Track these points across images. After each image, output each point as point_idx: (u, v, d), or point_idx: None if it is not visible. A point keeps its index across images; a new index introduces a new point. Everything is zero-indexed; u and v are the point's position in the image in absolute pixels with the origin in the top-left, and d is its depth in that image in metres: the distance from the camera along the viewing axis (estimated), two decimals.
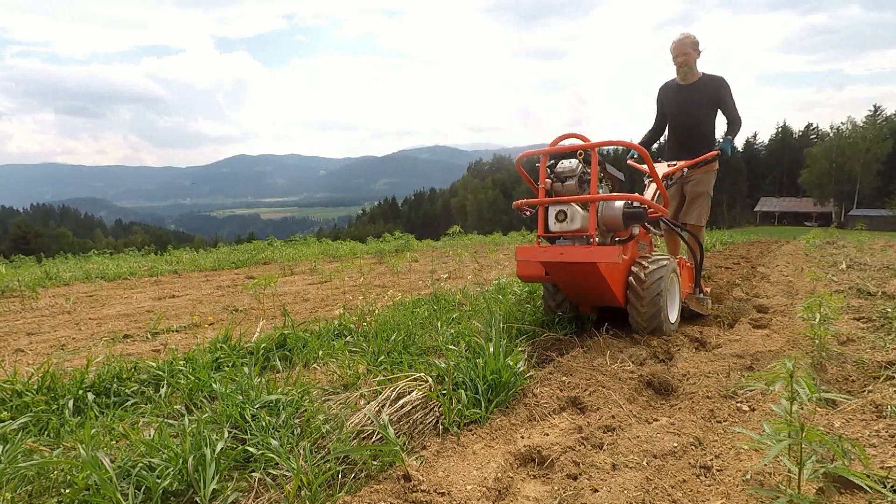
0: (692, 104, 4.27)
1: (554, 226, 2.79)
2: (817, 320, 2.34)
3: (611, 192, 3.09)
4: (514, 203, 2.95)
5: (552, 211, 2.81)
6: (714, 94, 4.18)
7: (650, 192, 3.72)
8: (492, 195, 76.67)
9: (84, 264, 9.00)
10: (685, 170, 4.06)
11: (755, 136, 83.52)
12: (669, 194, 4.26)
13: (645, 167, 3.92)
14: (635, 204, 2.86)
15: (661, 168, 4.03)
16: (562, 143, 3.03)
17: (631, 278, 2.90)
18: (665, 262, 2.95)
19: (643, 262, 2.94)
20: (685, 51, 4.21)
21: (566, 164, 2.86)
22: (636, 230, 3.01)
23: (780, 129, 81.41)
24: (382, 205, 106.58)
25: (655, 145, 4.86)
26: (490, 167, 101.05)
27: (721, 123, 4.32)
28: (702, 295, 3.72)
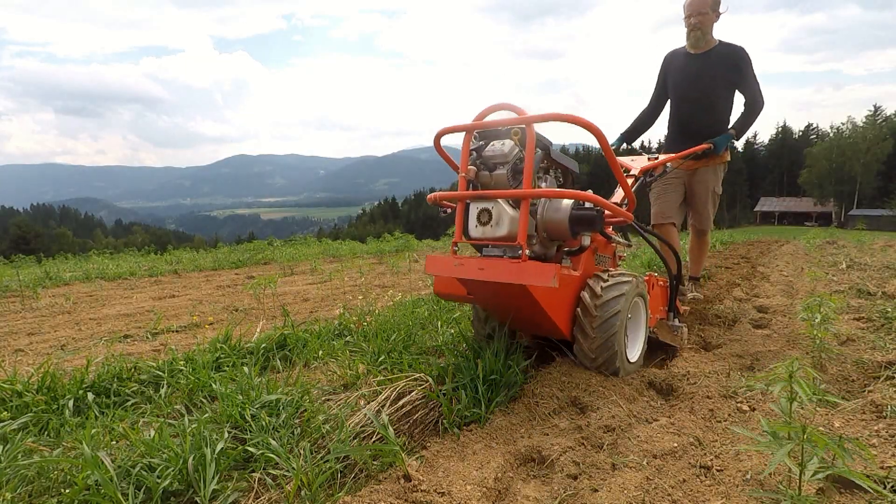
0: (703, 78, 3.44)
1: (475, 229, 2.04)
2: (817, 320, 2.34)
3: (560, 187, 2.37)
4: (428, 196, 2.19)
5: (473, 209, 2.06)
6: (732, 66, 3.36)
7: (620, 192, 3.02)
8: None
9: (84, 264, 9.00)
10: (668, 165, 3.34)
11: (755, 136, 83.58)
12: (664, 186, 3.69)
13: (623, 160, 3.31)
14: (587, 205, 2.09)
15: (640, 162, 3.31)
16: (491, 116, 2.14)
17: (579, 307, 2.21)
18: (626, 284, 2.22)
19: (596, 285, 2.20)
20: (702, 9, 3.37)
21: (497, 146, 2.08)
22: (587, 240, 2.21)
23: (780, 129, 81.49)
24: (382, 205, 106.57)
25: (646, 138, 4.25)
26: None
27: (737, 106, 3.52)
28: (677, 321, 2.93)
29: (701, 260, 4.07)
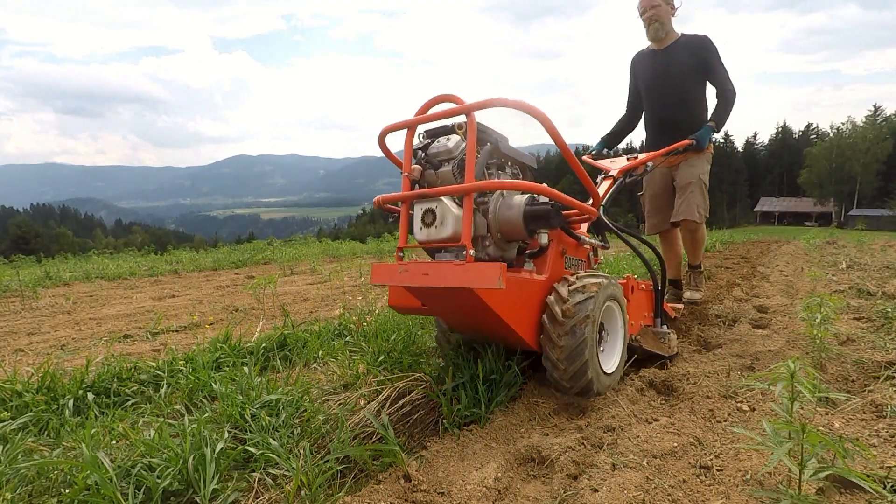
0: (672, 72, 3.38)
1: (420, 232, 1.87)
2: (817, 320, 2.34)
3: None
4: (374, 199, 2.03)
5: (418, 211, 1.89)
6: (698, 56, 3.31)
7: (601, 190, 2.89)
8: None
9: (84, 264, 9.01)
10: (649, 164, 3.18)
11: (755, 136, 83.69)
12: (655, 191, 3.64)
13: (602, 163, 3.21)
14: (543, 199, 1.91)
15: (619, 163, 3.19)
16: (435, 109, 1.97)
17: (545, 314, 2.01)
18: (596, 287, 2.03)
19: (562, 288, 2.02)
20: (654, 2, 3.33)
21: (442, 142, 1.95)
22: (545, 238, 2.02)
23: (780, 129, 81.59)
24: None
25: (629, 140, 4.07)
26: None
27: (712, 98, 3.45)
28: (664, 327, 2.70)
29: (697, 249, 3.79)
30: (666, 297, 3.58)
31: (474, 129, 1.76)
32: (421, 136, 2.02)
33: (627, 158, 3.18)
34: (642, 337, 2.53)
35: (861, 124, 60.33)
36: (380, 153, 2.14)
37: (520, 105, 1.71)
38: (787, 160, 75.28)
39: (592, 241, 2.40)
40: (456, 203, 1.85)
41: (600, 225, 2.59)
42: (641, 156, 3.16)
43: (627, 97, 3.78)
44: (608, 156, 3.48)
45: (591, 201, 2.42)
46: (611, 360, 2.17)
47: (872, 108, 61.29)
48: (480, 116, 1.80)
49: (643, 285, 2.70)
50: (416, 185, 1.96)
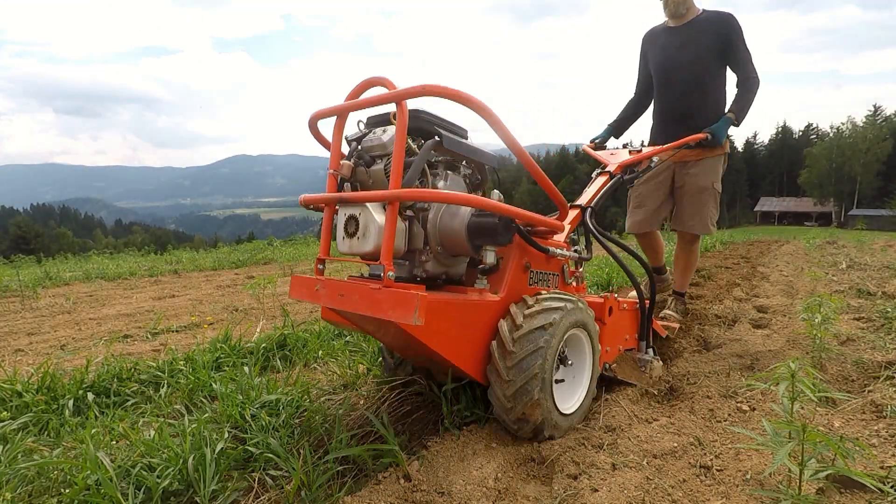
0: (688, 53, 2.93)
1: (342, 242, 1.62)
2: (817, 320, 2.34)
3: (471, 188, 1.86)
4: (299, 199, 1.75)
5: (342, 216, 1.63)
6: (720, 35, 2.87)
7: (592, 189, 2.57)
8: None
9: (84, 264, 9.00)
10: (654, 160, 2.81)
11: (755, 136, 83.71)
12: (648, 185, 3.15)
13: (600, 155, 2.90)
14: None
15: (620, 156, 2.82)
16: (367, 95, 1.65)
17: (494, 341, 1.69)
18: (556, 311, 1.70)
19: (518, 313, 1.70)
20: None
21: (377, 134, 1.67)
22: (491, 257, 1.67)
23: (780, 129, 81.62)
24: None
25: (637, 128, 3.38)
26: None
27: (732, 85, 3.00)
28: (649, 354, 2.33)
29: (688, 272, 3.37)
30: (672, 308, 3.33)
31: (404, 122, 1.46)
32: (360, 123, 1.75)
33: (630, 151, 2.82)
34: (618, 365, 2.21)
35: (861, 124, 60.33)
36: None
37: (458, 95, 1.43)
38: (787, 160, 75.31)
39: (565, 252, 2.04)
40: (377, 211, 1.55)
41: (586, 230, 2.30)
42: (646, 149, 2.81)
43: (637, 78, 3.32)
44: (618, 147, 3.07)
45: (575, 211, 2.26)
46: (572, 397, 1.84)
47: (872, 108, 61.32)
48: (429, 105, 1.53)
49: (625, 304, 2.30)
50: (347, 185, 1.67)
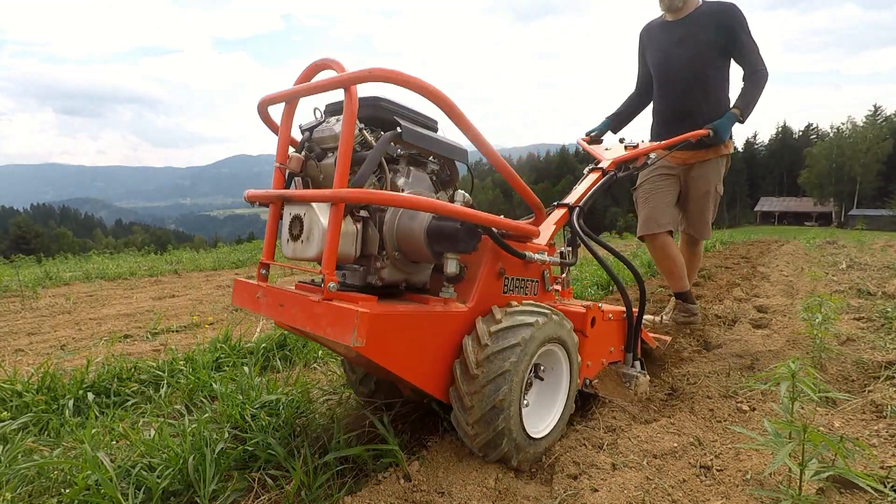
0: (688, 48, 2.79)
1: (287, 245, 1.46)
2: (817, 320, 2.34)
3: (440, 186, 1.70)
4: (244, 194, 1.60)
5: (287, 216, 1.46)
6: (723, 28, 2.71)
7: (581, 187, 2.40)
8: (492, 195, 76.89)
9: (84, 264, 9.00)
10: (651, 156, 2.72)
11: (755, 136, 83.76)
12: (657, 186, 2.97)
13: (595, 149, 2.77)
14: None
15: (615, 151, 2.69)
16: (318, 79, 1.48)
17: (458, 361, 1.53)
18: (526, 327, 1.52)
19: (484, 329, 1.52)
20: None
21: (330, 123, 1.51)
22: (453, 266, 1.50)
23: (780, 129, 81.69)
24: None
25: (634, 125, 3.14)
26: (490, 167, 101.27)
27: (736, 80, 2.84)
28: (635, 367, 2.13)
29: (692, 269, 3.26)
30: (673, 314, 3.14)
31: (352, 110, 1.28)
32: (317, 111, 1.56)
33: (626, 147, 2.70)
34: (601, 380, 2.01)
35: (861, 124, 60.35)
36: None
37: (409, 81, 1.25)
38: (787, 160, 75.37)
39: (545, 257, 1.82)
40: (322, 212, 1.37)
41: (573, 232, 2.15)
42: (643, 145, 2.68)
43: (637, 74, 3.18)
44: (616, 142, 2.91)
45: (552, 216, 2.12)
46: (546, 418, 1.67)
47: (872, 108, 61.34)
48: (404, 95, 1.36)
49: (611, 314, 2.07)
50: (299, 181, 1.54)
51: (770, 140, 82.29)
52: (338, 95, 1.37)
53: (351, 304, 1.26)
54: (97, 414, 2.04)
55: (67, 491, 1.38)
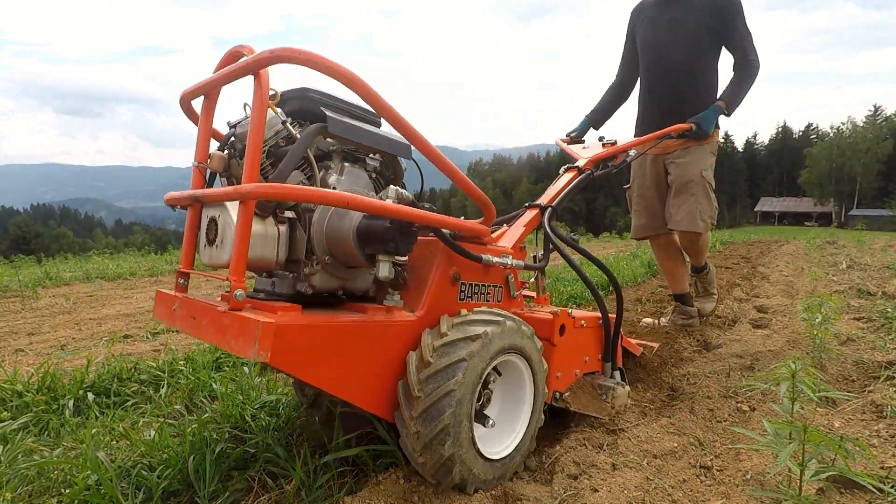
0: (678, 32, 2.62)
1: (204, 251, 1.35)
2: (817, 320, 2.34)
3: (377, 186, 1.57)
4: (165, 197, 1.45)
5: (204, 219, 1.35)
6: (718, 13, 2.56)
7: (555, 187, 2.29)
8: (492, 195, 76.87)
9: (84, 264, 9.01)
10: (631, 153, 2.56)
11: (755, 136, 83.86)
12: (643, 184, 2.87)
13: (572, 149, 2.62)
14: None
15: (592, 150, 2.54)
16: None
17: (401, 381, 1.37)
18: (474, 341, 1.36)
19: (428, 343, 1.36)
20: None
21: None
22: (385, 269, 1.32)
23: (780, 129, 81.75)
24: None
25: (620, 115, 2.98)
26: (490, 167, 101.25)
27: (725, 69, 2.70)
28: (614, 378, 1.95)
29: (700, 253, 3.04)
30: (671, 317, 3.09)
31: (262, 98, 1.15)
32: (247, 106, 1.35)
33: (604, 145, 2.54)
34: (573, 393, 1.82)
35: (861, 124, 60.38)
36: None
37: (314, 61, 1.12)
38: (787, 160, 75.43)
39: (507, 260, 1.67)
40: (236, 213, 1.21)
41: (545, 234, 2.02)
42: (622, 141, 2.52)
43: (622, 57, 2.95)
44: (595, 140, 2.75)
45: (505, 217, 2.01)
46: (504, 439, 1.50)
47: (872, 108, 61.36)
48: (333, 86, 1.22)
49: (584, 320, 1.88)
50: (224, 181, 1.43)
51: (770, 140, 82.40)
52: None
53: (255, 315, 1.12)
54: (97, 414, 2.04)
55: (68, 491, 1.39)
